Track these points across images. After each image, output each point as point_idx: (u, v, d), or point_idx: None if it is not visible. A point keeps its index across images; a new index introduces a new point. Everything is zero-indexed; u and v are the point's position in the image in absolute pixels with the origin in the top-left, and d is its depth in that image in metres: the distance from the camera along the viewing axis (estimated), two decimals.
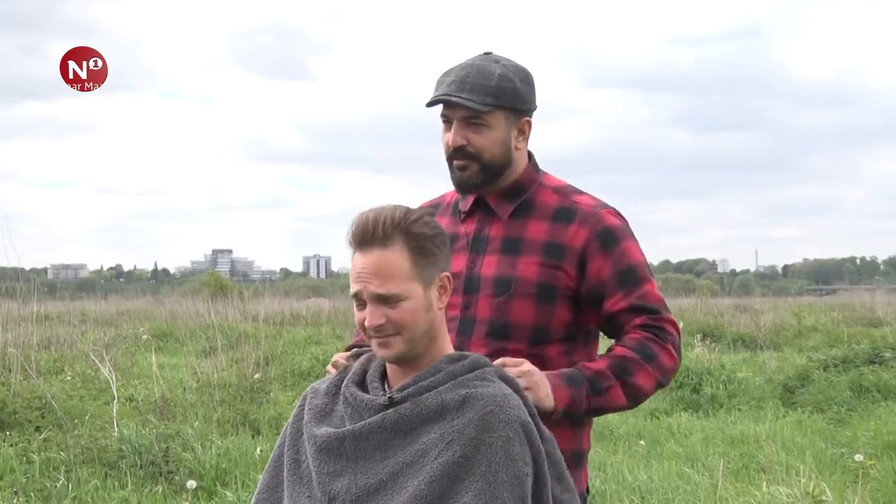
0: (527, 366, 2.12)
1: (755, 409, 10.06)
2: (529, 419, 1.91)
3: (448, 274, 1.99)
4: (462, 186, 2.35)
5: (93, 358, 9.86)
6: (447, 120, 2.31)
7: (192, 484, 5.56)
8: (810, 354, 12.92)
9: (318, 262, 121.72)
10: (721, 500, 5.49)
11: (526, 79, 2.32)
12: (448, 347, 2.03)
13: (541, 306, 2.27)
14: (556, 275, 2.27)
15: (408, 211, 1.95)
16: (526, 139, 2.36)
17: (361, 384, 2.02)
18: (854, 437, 8.16)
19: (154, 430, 6.81)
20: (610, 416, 9.35)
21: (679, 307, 26.28)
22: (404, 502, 1.80)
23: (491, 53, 2.34)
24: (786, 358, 14.60)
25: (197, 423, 7.59)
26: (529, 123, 2.35)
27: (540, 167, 2.43)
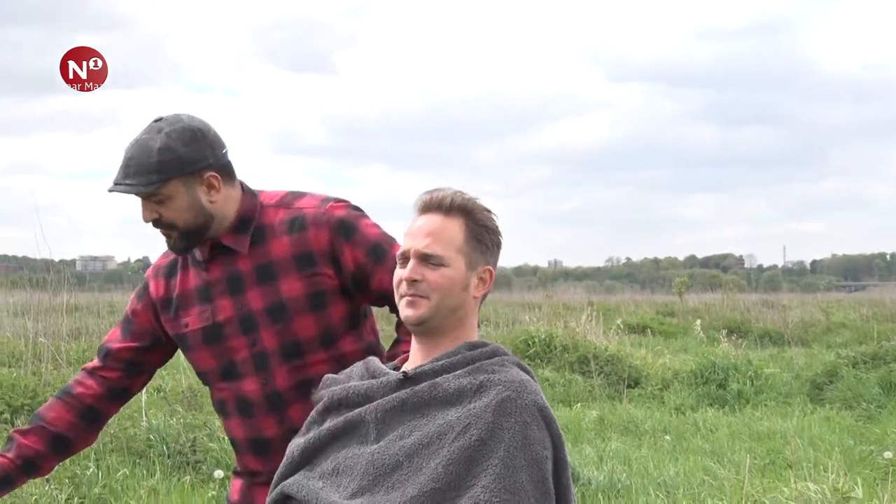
0: None
1: (782, 405, 10.01)
2: (547, 404, 1.92)
3: (492, 270, 2.05)
4: (175, 252, 2.41)
5: None
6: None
7: (219, 474, 5.61)
8: (839, 351, 12.82)
9: None
10: (748, 495, 5.46)
11: (193, 138, 2.31)
12: (474, 337, 2.05)
13: (319, 314, 2.34)
14: (319, 280, 2.34)
15: (477, 199, 2.04)
16: (219, 190, 2.35)
17: (373, 375, 2.05)
18: (883, 435, 8.09)
19: (182, 421, 6.87)
20: (635, 411, 9.34)
21: (705, 302, 26.20)
22: (421, 484, 1.81)
23: (161, 120, 2.33)
24: (814, 354, 14.52)
25: None
26: (216, 177, 2.34)
27: (252, 188, 2.46)
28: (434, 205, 2.02)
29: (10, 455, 2.43)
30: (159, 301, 2.47)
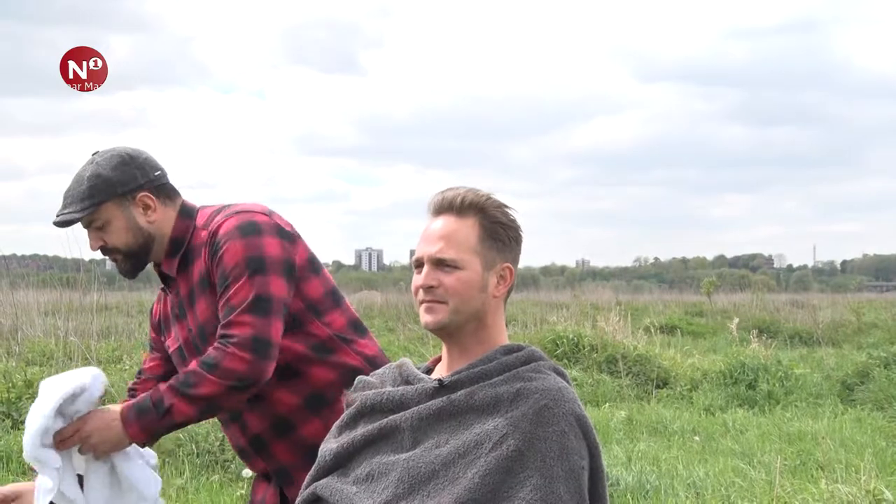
0: (83, 426, 2.32)
1: (813, 406, 9.90)
2: (585, 413, 1.89)
3: (511, 266, 2.00)
4: (124, 276, 2.54)
5: None
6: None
7: (247, 473, 5.62)
8: (870, 351, 12.67)
9: (370, 255, 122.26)
10: (778, 497, 5.41)
11: (121, 162, 2.44)
12: (504, 338, 2.02)
13: None
14: (219, 303, 2.39)
15: (490, 195, 1.99)
16: (155, 210, 2.47)
17: (407, 380, 2.03)
18: None
19: (210, 420, 6.89)
20: (663, 411, 9.28)
21: (734, 302, 26.02)
22: (458, 494, 1.79)
23: (96, 153, 2.47)
24: (844, 355, 14.36)
25: None
26: (150, 197, 2.46)
27: (193, 207, 2.55)
28: (446, 205, 1.98)
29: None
30: (154, 325, 2.67)
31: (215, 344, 2.33)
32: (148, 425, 2.34)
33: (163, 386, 2.35)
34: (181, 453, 6.44)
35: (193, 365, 2.34)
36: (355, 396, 2.07)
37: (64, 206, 2.42)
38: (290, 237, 2.44)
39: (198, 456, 6.42)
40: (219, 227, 2.41)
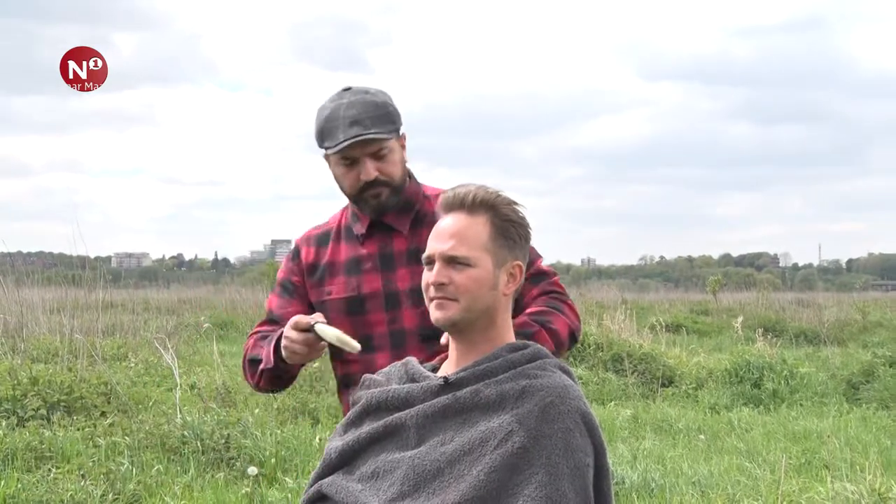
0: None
1: (818, 404, 9.89)
2: (590, 410, 1.89)
3: (521, 264, 2.01)
4: (379, 211, 2.46)
5: (156, 345, 10.03)
6: (351, 161, 2.39)
7: (252, 470, 5.62)
8: (875, 350, 12.65)
9: None
10: (784, 495, 5.40)
11: (392, 99, 2.46)
12: (511, 336, 2.02)
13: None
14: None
15: (500, 193, 2.00)
16: (405, 151, 2.49)
17: (412, 378, 2.03)
18: None
19: (216, 417, 6.90)
20: (668, 409, 9.27)
21: (739, 301, 25.98)
22: (463, 491, 1.79)
23: (352, 88, 2.43)
24: (850, 354, 14.33)
25: (257, 410, 7.67)
26: (405, 137, 2.48)
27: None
28: (457, 203, 1.99)
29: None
30: (308, 266, 2.55)
31: (549, 296, 2.41)
32: None
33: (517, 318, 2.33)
34: (186, 451, 6.44)
35: (536, 308, 2.37)
36: (361, 394, 2.07)
37: (365, 127, 2.35)
38: None
39: (203, 453, 6.43)
40: None
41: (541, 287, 2.41)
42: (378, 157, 2.38)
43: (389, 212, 2.45)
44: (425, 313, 2.29)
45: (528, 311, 2.37)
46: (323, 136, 2.41)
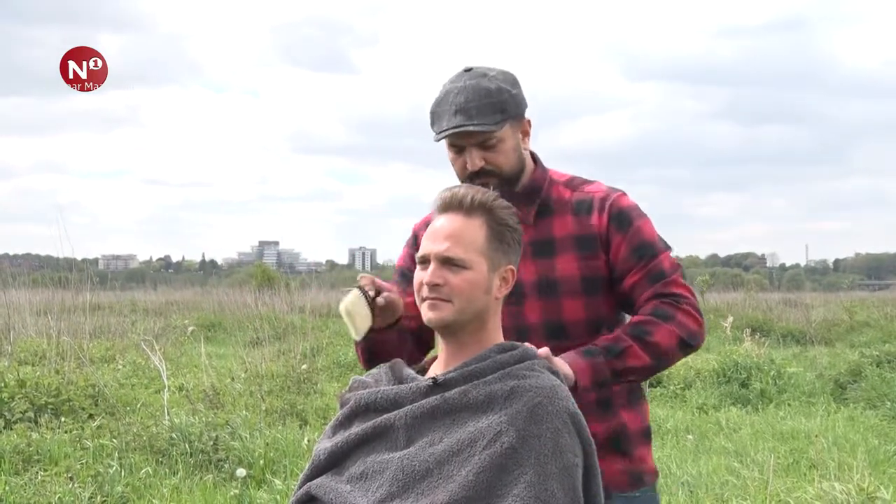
0: (543, 350, 2.11)
1: (805, 404, 9.92)
2: (578, 410, 1.90)
3: (513, 268, 2.02)
4: None
5: (143, 347, 10.00)
6: (458, 148, 2.32)
7: (241, 472, 5.62)
8: (863, 350, 12.71)
9: (363, 253, 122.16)
10: (772, 495, 5.42)
11: (514, 82, 2.35)
12: (499, 338, 2.02)
13: (589, 300, 2.32)
14: (595, 265, 2.33)
15: (497, 196, 2.01)
16: (528, 138, 2.39)
17: (400, 380, 2.03)
18: None
19: (204, 419, 6.88)
20: (657, 410, 9.28)
21: (727, 301, 26.00)
22: (452, 492, 1.79)
23: (472, 69, 2.34)
24: (837, 353, 14.39)
25: (245, 412, 7.65)
26: (529, 122, 2.38)
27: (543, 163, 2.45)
28: (454, 204, 1.99)
29: None
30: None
31: (660, 301, 2.28)
32: (595, 365, 2.19)
33: (612, 333, 2.26)
34: (174, 453, 6.42)
35: (640, 317, 2.27)
36: (349, 396, 2.06)
37: (469, 117, 2.26)
38: None
39: (191, 455, 6.41)
40: (617, 197, 2.36)
41: (655, 289, 2.30)
42: (485, 146, 2.29)
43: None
44: (549, 308, 2.30)
45: (632, 319, 2.30)
46: (433, 119, 2.34)
